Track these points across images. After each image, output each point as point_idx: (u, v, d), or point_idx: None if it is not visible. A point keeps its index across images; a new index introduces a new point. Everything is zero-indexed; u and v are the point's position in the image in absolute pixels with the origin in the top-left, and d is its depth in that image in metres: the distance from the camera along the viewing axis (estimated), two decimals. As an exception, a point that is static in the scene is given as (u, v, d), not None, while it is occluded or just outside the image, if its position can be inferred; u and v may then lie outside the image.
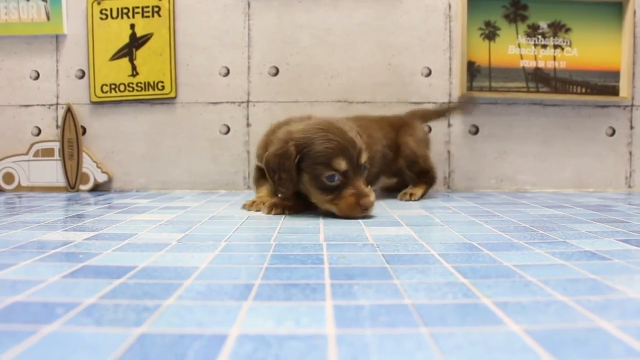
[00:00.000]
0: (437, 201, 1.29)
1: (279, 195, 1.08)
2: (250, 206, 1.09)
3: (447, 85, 1.57)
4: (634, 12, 1.60)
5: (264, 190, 1.15)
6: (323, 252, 0.66)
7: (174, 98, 1.54)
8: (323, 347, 0.36)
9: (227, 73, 1.55)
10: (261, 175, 1.16)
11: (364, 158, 1.00)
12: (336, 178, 0.96)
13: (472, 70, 1.57)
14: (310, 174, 0.98)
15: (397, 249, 0.68)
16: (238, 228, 0.86)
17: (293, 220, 0.95)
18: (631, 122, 1.64)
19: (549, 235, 0.79)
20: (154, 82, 1.53)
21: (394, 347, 0.36)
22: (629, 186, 1.65)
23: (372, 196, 0.98)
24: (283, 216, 1.01)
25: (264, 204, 1.07)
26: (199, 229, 0.85)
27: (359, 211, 0.96)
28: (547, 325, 0.40)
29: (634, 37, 1.61)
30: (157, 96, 1.53)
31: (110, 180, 1.55)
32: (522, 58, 1.59)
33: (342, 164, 0.96)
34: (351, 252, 0.66)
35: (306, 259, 0.63)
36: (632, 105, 1.64)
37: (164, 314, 0.43)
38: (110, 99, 1.54)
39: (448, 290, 0.49)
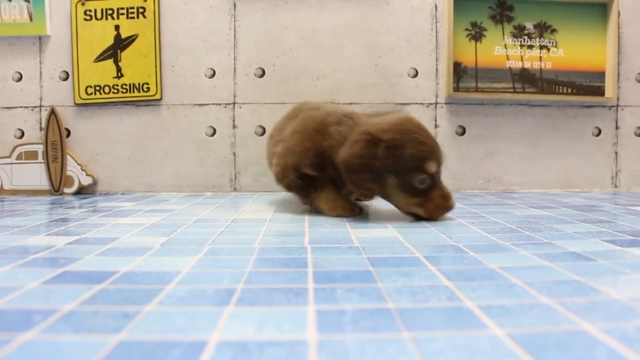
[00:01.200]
0: (424, 202, 1.28)
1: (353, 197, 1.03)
2: (336, 213, 1.03)
3: (433, 86, 1.57)
4: (619, 13, 1.61)
5: (327, 195, 1.06)
6: (307, 256, 0.65)
7: (160, 100, 1.53)
8: (303, 353, 0.35)
9: (213, 74, 1.54)
10: (308, 184, 1.07)
11: (443, 158, 0.98)
12: (426, 181, 0.93)
13: (459, 71, 1.57)
14: (399, 178, 0.93)
15: (382, 252, 0.67)
16: (223, 231, 0.85)
17: (278, 224, 0.94)
18: (617, 122, 1.65)
19: (535, 236, 0.79)
20: (139, 84, 1.51)
21: (376, 353, 0.35)
22: (615, 186, 1.66)
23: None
24: (268, 219, 1.00)
25: (343, 207, 1.04)
26: (183, 232, 0.84)
27: (445, 212, 0.96)
28: (531, 328, 0.39)
29: (619, 37, 1.62)
30: (142, 98, 1.52)
31: (95, 183, 1.54)
32: (508, 59, 1.60)
33: (433, 167, 0.93)
34: (336, 255, 0.66)
35: (290, 262, 0.62)
36: (617, 106, 1.65)
37: (143, 320, 0.42)
38: (94, 101, 1.52)
39: (432, 293, 0.48)
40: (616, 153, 1.66)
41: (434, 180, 0.94)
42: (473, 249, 0.69)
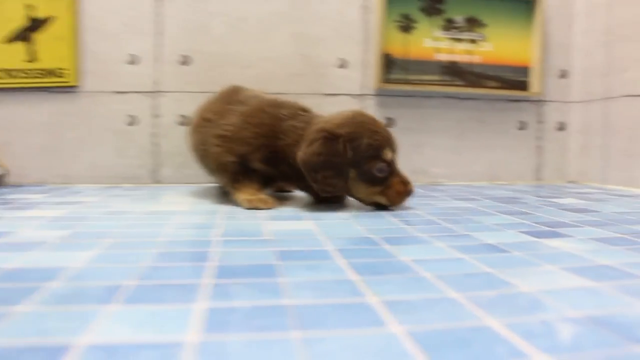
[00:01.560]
0: (350, 194, 1.26)
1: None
2: (252, 206, 0.99)
3: (362, 77, 1.55)
4: (544, 11, 1.64)
5: (253, 188, 1.04)
6: (213, 249, 0.62)
7: (77, 86, 1.44)
8: (178, 356, 0.32)
9: (135, 61, 1.46)
10: (241, 171, 1.05)
11: (397, 145, 1.01)
12: (384, 169, 0.95)
13: (388, 62, 1.55)
14: (358, 169, 0.95)
15: (293, 245, 0.64)
16: (131, 224, 0.80)
17: (193, 216, 0.90)
18: (541, 116, 1.68)
19: (453, 228, 0.78)
20: (54, 69, 1.42)
21: (258, 355, 0.32)
22: (538, 179, 1.69)
23: None
24: (183, 211, 0.95)
25: (261, 200, 1.00)
26: (89, 225, 0.79)
27: (406, 197, 0.98)
28: (432, 325, 0.37)
29: (544, 34, 1.65)
30: (58, 84, 1.43)
31: (5, 174, 1.44)
32: (437, 51, 1.60)
33: (389, 154, 0.96)
34: (243, 248, 0.62)
35: (193, 256, 0.58)
36: (541, 101, 1.68)
37: (10, 322, 0.37)
38: (4, 86, 1.42)
39: (335, 288, 0.46)
40: (540, 147, 1.69)
41: (392, 168, 0.97)
42: (388, 241, 0.67)
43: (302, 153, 0.95)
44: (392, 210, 0.98)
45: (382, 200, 0.98)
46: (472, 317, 0.39)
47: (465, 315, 0.39)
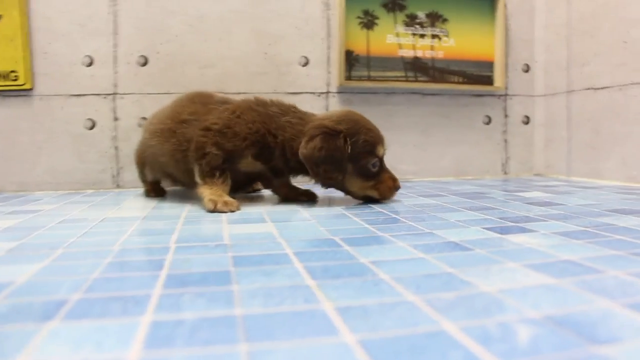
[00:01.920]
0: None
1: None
2: (215, 208, 0.96)
3: (325, 75, 1.53)
4: (505, 5, 1.64)
5: (221, 189, 1.02)
6: (167, 257, 0.59)
7: (30, 90, 1.39)
8: (112, 379, 0.29)
9: (91, 63, 1.42)
10: (219, 167, 1.02)
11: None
12: (377, 164, 1.02)
13: (351, 59, 1.54)
14: (355, 163, 1.00)
15: (251, 249, 0.62)
16: (85, 233, 0.77)
17: (151, 222, 0.87)
18: (505, 110, 1.69)
19: (417, 227, 0.76)
20: (5, 72, 1.37)
21: (200, 374, 0.30)
22: (505, 173, 1.70)
23: None
24: (142, 217, 0.92)
25: (226, 203, 0.97)
26: (40, 235, 0.75)
27: (395, 192, 1.06)
28: (386, 332, 0.35)
29: (506, 29, 1.66)
30: (9, 87, 1.37)
31: (-42, 182, 1.39)
32: (400, 47, 1.59)
33: (381, 150, 1.03)
34: (199, 254, 0.60)
35: (145, 265, 0.56)
36: (506, 95, 1.69)
37: None
38: (-46, 92, 1.37)
39: (289, 295, 0.44)
40: (506, 141, 1.70)
41: (381, 164, 1.04)
42: (349, 242, 0.66)
43: (303, 148, 0.98)
44: (359, 208, 0.97)
45: (374, 194, 1.04)
46: (429, 321, 0.38)
47: (421, 320, 0.38)
